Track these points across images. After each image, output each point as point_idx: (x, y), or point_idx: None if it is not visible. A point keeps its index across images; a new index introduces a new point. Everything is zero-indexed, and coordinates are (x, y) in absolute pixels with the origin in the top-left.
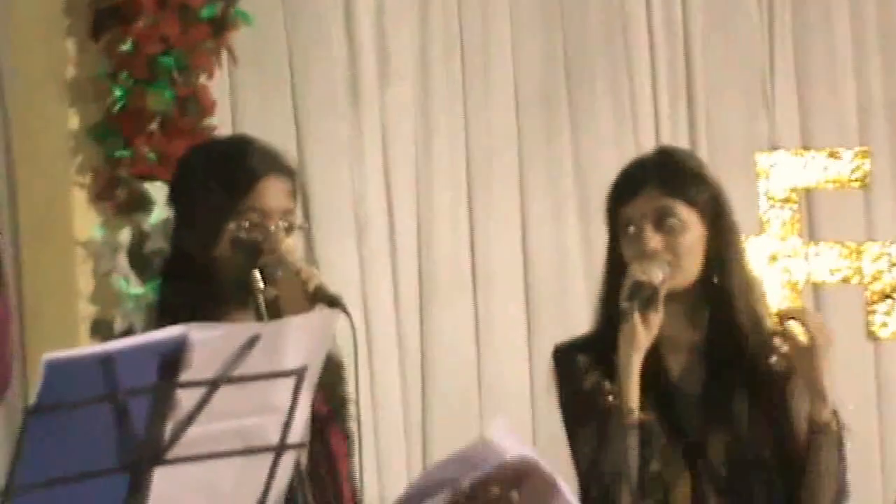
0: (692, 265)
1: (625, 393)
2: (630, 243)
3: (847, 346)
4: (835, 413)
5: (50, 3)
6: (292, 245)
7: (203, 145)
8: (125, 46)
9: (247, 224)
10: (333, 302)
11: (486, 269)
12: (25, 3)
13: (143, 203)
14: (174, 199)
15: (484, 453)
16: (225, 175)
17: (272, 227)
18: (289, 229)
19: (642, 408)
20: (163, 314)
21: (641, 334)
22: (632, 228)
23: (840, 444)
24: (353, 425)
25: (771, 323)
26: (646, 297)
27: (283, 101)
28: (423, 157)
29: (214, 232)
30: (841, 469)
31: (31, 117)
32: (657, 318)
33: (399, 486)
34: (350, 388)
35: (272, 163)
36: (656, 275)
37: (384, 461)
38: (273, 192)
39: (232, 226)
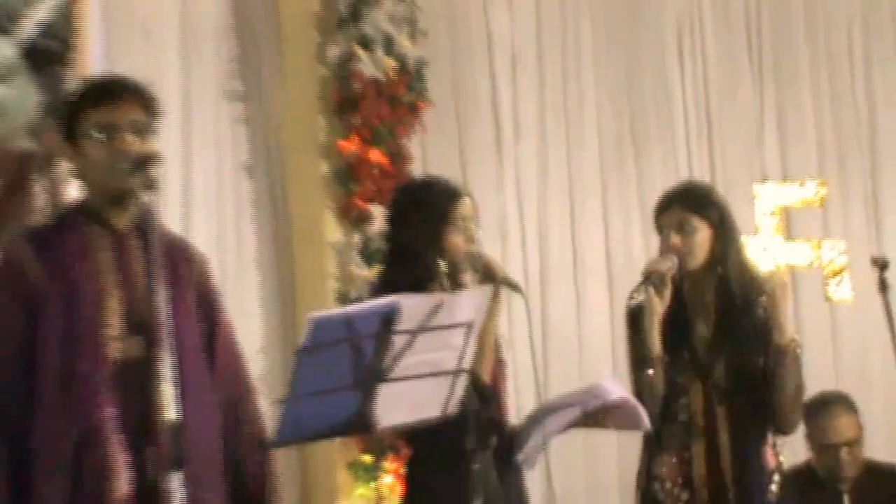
0: (700, 255)
1: (647, 338)
2: (662, 242)
3: (812, 306)
4: (793, 339)
5: (310, 92)
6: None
7: (416, 181)
8: (356, 121)
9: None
10: (515, 286)
11: (582, 262)
12: (295, 93)
13: (367, 219)
14: (396, 216)
15: (600, 390)
16: (436, 196)
17: (473, 230)
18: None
19: (671, 347)
20: (384, 288)
21: (655, 304)
22: (664, 232)
23: (797, 359)
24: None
25: (759, 288)
26: (656, 280)
27: (452, 150)
28: (542, 186)
29: (437, 233)
30: (799, 377)
31: (298, 165)
32: (667, 292)
33: (527, 405)
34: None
35: (461, 188)
36: (664, 265)
37: (520, 388)
38: (469, 206)
39: (449, 228)
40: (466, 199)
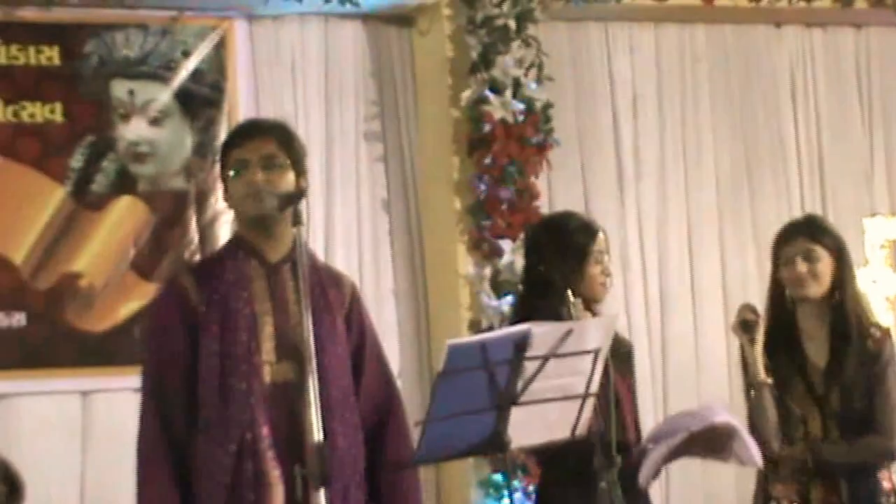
0: (824, 283)
1: (751, 367)
2: (788, 270)
3: None
4: None
5: (444, 133)
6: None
7: (554, 216)
8: (487, 160)
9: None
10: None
11: (700, 291)
12: (430, 134)
13: (498, 252)
14: (534, 250)
15: (704, 413)
16: (575, 231)
17: (607, 263)
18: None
19: (786, 375)
20: (521, 316)
21: (749, 349)
22: (790, 260)
23: None
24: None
25: (871, 320)
26: (749, 327)
27: (576, 187)
28: (661, 220)
29: (577, 267)
30: None
31: (432, 201)
32: (759, 336)
33: (647, 424)
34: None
35: (596, 224)
36: (751, 316)
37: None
38: (603, 240)
39: (590, 261)
40: (601, 234)
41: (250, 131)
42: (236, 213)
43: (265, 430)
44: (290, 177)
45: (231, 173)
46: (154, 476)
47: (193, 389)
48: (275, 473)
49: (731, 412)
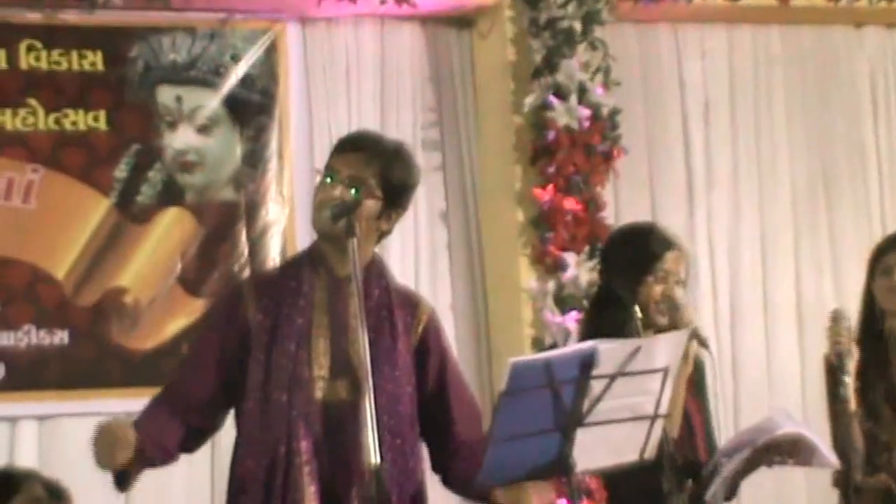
0: None
1: (844, 394)
2: (882, 280)
3: None
4: None
5: (505, 141)
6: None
7: (630, 228)
8: (551, 170)
9: (657, 278)
10: (703, 342)
11: (773, 307)
12: (490, 142)
13: (561, 266)
14: (604, 262)
15: (769, 424)
16: (643, 245)
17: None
18: (679, 283)
19: (874, 400)
20: (588, 333)
21: (842, 380)
22: (888, 269)
23: None
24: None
25: None
26: (842, 358)
27: (644, 197)
28: (733, 233)
29: (636, 282)
30: None
31: (493, 212)
32: (852, 364)
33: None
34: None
35: (673, 240)
36: (843, 342)
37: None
38: (674, 259)
39: (650, 279)
40: (673, 253)
41: (351, 143)
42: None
43: (304, 445)
44: (371, 204)
45: (328, 180)
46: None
47: (235, 396)
48: (310, 489)
49: (796, 421)
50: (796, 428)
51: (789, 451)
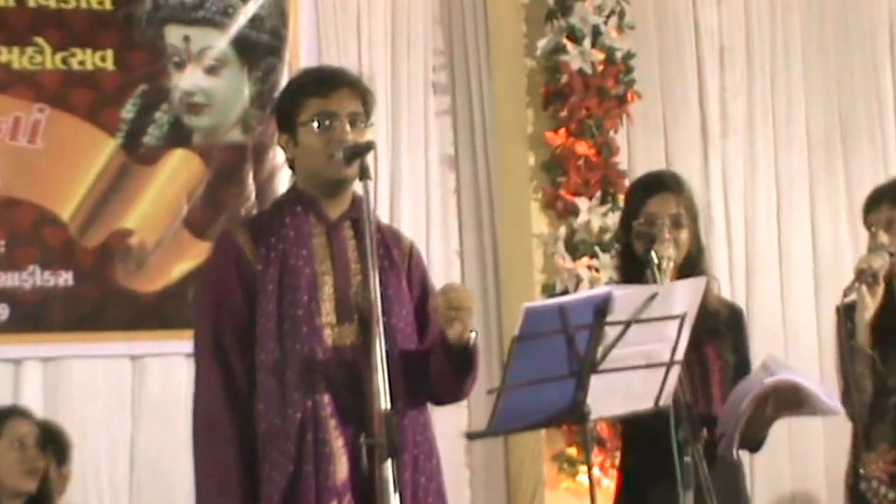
0: None
1: (858, 333)
2: (870, 239)
3: None
4: None
5: (517, 85)
6: (683, 239)
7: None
8: (563, 113)
9: (643, 222)
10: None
11: (788, 256)
12: (502, 85)
13: (573, 211)
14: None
15: (760, 375)
16: (630, 192)
17: (661, 225)
18: (676, 225)
19: (883, 344)
20: (620, 278)
21: (868, 301)
22: (873, 229)
23: None
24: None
25: None
26: (868, 277)
27: (658, 143)
28: (748, 180)
29: (624, 226)
30: None
31: (504, 157)
32: (879, 289)
33: None
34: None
35: (667, 182)
36: (877, 262)
37: None
38: (663, 203)
39: (635, 223)
40: (656, 197)
41: (336, 82)
42: (305, 168)
43: (326, 397)
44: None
45: (315, 125)
46: (215, 443)
47: (251, 352)
48: (338, 443)
49: (791, 368)
50: (791, 375)
51: (791, 399)
